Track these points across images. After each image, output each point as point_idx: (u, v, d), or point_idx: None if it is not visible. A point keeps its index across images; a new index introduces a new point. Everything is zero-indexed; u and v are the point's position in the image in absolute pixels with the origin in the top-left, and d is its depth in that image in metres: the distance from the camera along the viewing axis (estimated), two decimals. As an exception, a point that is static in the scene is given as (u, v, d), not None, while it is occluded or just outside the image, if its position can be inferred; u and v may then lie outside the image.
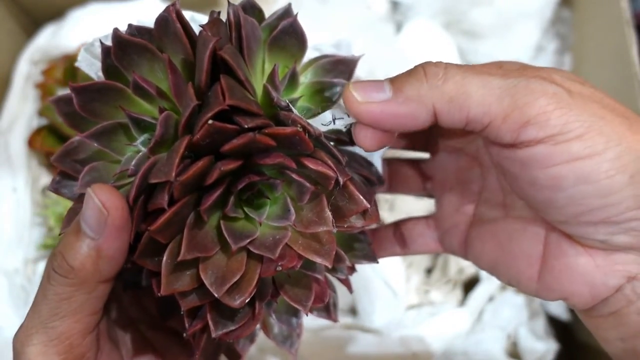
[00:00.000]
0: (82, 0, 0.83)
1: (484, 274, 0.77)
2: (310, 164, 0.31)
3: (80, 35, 0.79)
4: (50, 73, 0.77)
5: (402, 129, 0.34)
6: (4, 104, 0.80)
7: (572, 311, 0.74)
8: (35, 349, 0.32)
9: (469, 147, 0.42)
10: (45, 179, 0.78)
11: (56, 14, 0.84)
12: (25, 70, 0.81)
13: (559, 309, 0.74)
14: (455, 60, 0.82)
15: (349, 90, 0.33)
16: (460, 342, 0.72)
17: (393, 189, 0.48)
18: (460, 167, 0.43)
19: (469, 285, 0.77)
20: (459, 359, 0.72)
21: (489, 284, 0.74)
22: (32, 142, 0.75)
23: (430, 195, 0.48)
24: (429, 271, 0.79)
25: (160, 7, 0.82)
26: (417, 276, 0.77)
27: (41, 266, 0.73)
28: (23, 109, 0.79)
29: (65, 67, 0.76)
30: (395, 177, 0.47)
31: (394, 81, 0.33)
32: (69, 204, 0.69)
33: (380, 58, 0.79)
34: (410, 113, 0.33)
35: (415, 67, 0.34)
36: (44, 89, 0.77)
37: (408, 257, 0.77)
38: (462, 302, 0.76)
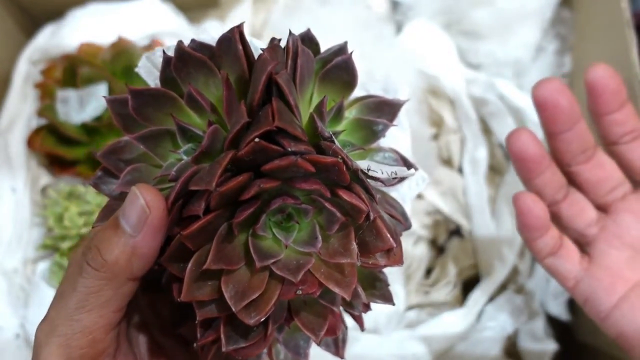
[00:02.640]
0: (81, 0, 0.83)
1: (483, 274, 0.77)
2: (345, 196, 0.31)
3: (80, 35, 0.79)
4: (49, 73, 0.77)
5: None
6: (4, 104, 0.80)
7: (572, 311, 0.74)
8: (57, 341, 0.33)
9: None
10: (45, 179, 0.78)
11: (56, 14, 0.84)
12: (25, 70, 0.81)
13: (558, 309, 0.74)
14: (455, 60, 0.83)
15: None
16: (460, 342, 0.72)
17: (557, 208, 0.50)
18: None
19: (469, 285, 0.77)
20: (459, 359, 0.72)
21: (488, 284, 0.74)
22: (32, 142, 0.75)
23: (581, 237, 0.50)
24: (429, 271, 0.79)
25: (160, 8, 0.83)
26: (417, 276, 0.77)
27: (41, 266, 0.73)
28: (22, 109, 0.79)
29: (64, 67, 0.76)
30: (568, 200, 0.50)
31: None
32: (68, 204, 0.69)
33: (380, 58, 0.79)
34: None
35: None
36: (43, 89, 0.76)
37: (408, 258, 0.77)
38: (462, 302, 0.76)
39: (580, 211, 0.49)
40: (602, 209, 0.50)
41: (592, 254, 0.49)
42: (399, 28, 0.87)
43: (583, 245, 0.50)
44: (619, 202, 0.49)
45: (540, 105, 0.46)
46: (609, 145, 0.48)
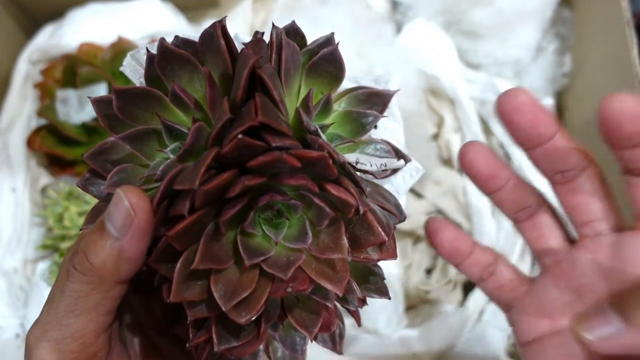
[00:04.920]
0: (81, 0, 0.83)
1: (484, 274, 0.77)
2: (333, 190, 0.31)
3: (80, 35, 0.79)
4: (49, 73, 0.77)
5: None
6: (4, 103, 0.80)
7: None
8: (48, 345, 0.33)
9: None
10: (45, 179, 0.78)
11: (56, 14, 0.85)
12: (25, 70, 0.81)
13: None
14: (455, 60, 0.82)
15: (578, 331, 0.38)
16: (460, 342, 0.72)
17: (520, 226, 0.48)
18: (594, 283, 0.43)
19: (469, 285, 0.77)
20: (459, 359, 0.72)
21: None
22: (31, 142, 0.75)
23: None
24: (429, 272, 0.79)
25: (160, 8, 0.83)
26: (417, 277, 0.77)
27: (40, 266, 0.73)
28: (22, 109, 0.79)
29: (64, 66, 0.76)
30: (531, 221, 0.47)
31: (621, 309, 0.36)
32: (68, 204, 0.70)
33: (380, 58, 0.79)
34: None
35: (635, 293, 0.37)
36: (43, 89, 0.77)
37: (408, 258, 0.77)
38: (462, 302, 0.76)
39: (539, 237, 0.46)
40: (571, 240, 0.46)
41: (535, 283, 0.46)
42: (399, 28, 0.87)
43: (540, 269, 0.47)
44: (587, 239, 0.43)
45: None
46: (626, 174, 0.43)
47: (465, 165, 0.44)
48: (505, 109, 0.40)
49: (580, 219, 0.43)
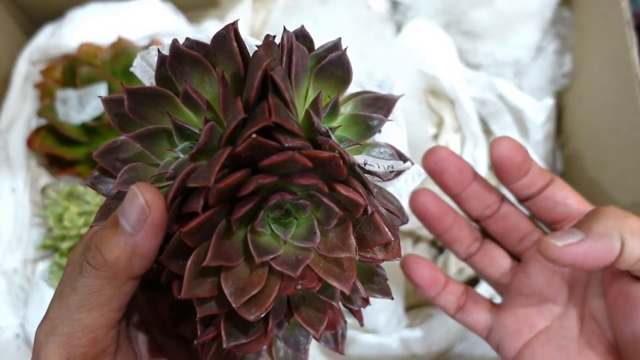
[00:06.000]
0: (81, 0, 0.83)
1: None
2: (342, 190, 0.31)
3: (80, 35, 0.79)
4: (49, 73, 0.77)
5: (599, 265, 0.39)
6: (4, 103, 0.80)
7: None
8: (59, 340, 0.33)
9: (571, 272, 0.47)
10: (45, 179, 0.78)
11: (55, 14, 0.84)
12: (25, 70, 0.81)
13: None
14: (455, 60, 0.82)
15: (546, 242, 0.39)
16: (460, 342, 0.72)
17: (472, 260, 0.52)
18: (550, 282, 0.48)
19: (469, 285, 0.77)
20: (459, 359, 0.72)
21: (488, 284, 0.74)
22: (31, 142, 0.75)
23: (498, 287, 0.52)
24: (429, 271, 0.79)
25: (160, 8, 0.83)
26: (417, 276, 0.76)
27: (40, 266, 0.73)
28: (22, 109, 0.79)
29: (64, 67, 0.76)
30: (481, 252, 0.51)
31: (581, 224, 0.40)
32: (68, 204, 0.69)
33: (380, 58, 0.79)
34: (605, 246, 0.38)
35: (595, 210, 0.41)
36: (43, 89, 0.76)
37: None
38: (462, 302, 0.76)
39: (492, 262, 0.51)
40: (517, 257, 0.51)
41: (503, 302, 0.50)
42: (398, 28, 0.87)
43: (501, 294, 0.52)
44: (529, 251, 0.50)
45: (431, 174, 0.49)
46: (522, 202, 0.50)
47: (416, 208, 0.50)
48: (430, 166, 0.48)
49: (515, 238, 0.50)
